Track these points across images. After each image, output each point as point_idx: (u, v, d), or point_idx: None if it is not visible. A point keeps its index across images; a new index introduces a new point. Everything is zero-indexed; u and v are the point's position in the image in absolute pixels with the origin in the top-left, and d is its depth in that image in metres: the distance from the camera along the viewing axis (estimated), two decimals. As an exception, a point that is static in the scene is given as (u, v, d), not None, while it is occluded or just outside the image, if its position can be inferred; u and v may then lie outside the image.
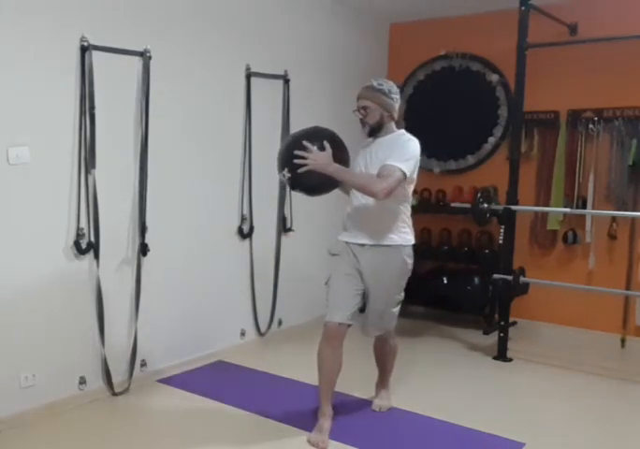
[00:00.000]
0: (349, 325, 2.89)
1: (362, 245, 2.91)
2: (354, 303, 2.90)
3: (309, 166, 2.68)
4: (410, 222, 2.98)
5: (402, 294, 3.04)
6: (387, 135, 2.92)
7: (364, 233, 2.91)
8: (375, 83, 2.90)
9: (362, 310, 3.00)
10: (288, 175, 2.76)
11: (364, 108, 2.89)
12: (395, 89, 2.92)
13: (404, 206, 2.93)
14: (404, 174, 2.73)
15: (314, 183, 2.82)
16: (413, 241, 2.98)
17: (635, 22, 4.24)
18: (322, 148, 2.72)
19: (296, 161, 2.70)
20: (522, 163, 4.32)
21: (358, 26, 5.06)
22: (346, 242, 2.96)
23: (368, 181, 2.75)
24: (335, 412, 2.97)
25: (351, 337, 2.93)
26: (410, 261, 2.97)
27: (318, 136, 2.81)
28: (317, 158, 2.69)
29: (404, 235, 2.93)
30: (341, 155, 2.80)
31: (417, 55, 5.30)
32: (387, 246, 2.89)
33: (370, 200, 2.82)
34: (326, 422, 2.88)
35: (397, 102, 2.93)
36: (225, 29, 3.85)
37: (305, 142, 2.72)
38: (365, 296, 2.96)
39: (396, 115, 2.95)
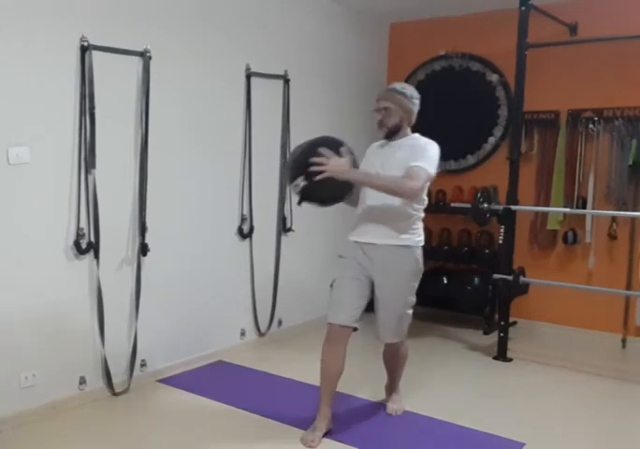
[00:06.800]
0: (355, 329, 2.87)
1: (373, 245, 2.87)
2: (357, 306, 2.86)
3: (327, 173, 2.61)
4: (422, 224, 2.96)
5: (414, 297, 2.99)
6: (403, 137, 2.91)
7: (377, 233, 2.87)
8: (398, 86, 2.92)
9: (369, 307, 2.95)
10: (303, 183, 2.64)
11: (385, 108, 2.87)
12: (416, 94, 2.92)
13: (418, 208, 2.90)
14: (429, 175, 2.74)
15: (329, 192, 2.76)
16: (422, 243, 2.96)
17: (635, 22, 4.24)
18: (339, 155, 2.68)
19: (313, 168, 2.61)
20: (522, 163, 4.32)
21: (358, 26, 5.05)
22: (357, 242, 2.93)
23: (396, 183, 2.71)
24: (336, 412, 2.97)
25: (356, 337, 2.92)
26: (421, 261, 2.96)
27: (333, 143, 2.75)
28: (337, 164, 2.64)
29: (415, 236, 2.91)
30: (356, 163, 2.81)
31: (417, 55, 5.29)
32: (399, 246, 2.86)
33: (388, 201, 2.80)
34: (321, 422, 2.87)
35: (416, 107, 2.92)
36: (225, 29, 3.85)
37: (321, 149, 2.65)
38: (375, 300, 2.92)
39: (414, 120, 2.94)
